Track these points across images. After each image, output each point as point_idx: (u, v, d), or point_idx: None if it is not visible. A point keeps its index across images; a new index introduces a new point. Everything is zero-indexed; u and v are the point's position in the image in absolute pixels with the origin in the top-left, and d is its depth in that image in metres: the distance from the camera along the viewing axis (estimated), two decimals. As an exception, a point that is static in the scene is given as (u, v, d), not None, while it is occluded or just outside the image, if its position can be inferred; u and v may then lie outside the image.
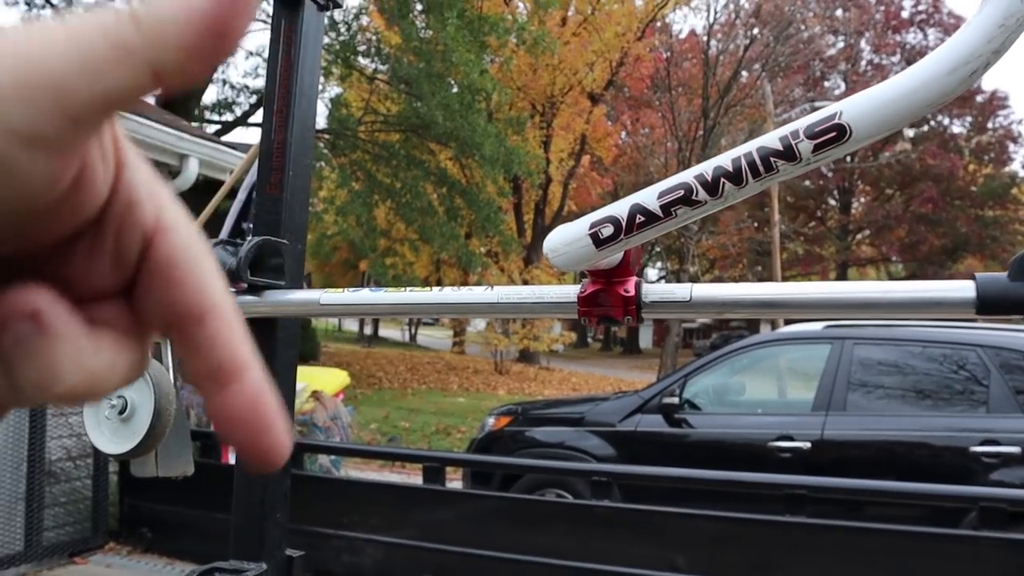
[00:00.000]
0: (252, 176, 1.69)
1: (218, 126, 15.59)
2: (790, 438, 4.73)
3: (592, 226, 0.74)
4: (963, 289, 0.74)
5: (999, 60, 0.61)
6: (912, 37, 31.27)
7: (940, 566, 3.28)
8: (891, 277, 36.82)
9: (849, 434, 4.75)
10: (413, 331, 36.92)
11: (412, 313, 0.94)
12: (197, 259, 0.27)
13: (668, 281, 34.75)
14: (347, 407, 6.45)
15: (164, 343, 1.43)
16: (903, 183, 30.64)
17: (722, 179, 0.67)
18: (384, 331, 36.76)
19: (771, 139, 0.66)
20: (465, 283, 27.01)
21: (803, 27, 23.38)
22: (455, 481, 6.12)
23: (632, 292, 0.84)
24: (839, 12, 29.84)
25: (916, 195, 29.00)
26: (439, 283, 27.99)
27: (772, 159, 0.66)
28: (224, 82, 16.00)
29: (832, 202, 33.97)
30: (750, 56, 21.61)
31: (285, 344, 1.16)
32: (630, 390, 6.47)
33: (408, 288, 0.96)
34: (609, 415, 5.36)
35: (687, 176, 0.69)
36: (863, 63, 31.86)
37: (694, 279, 24.38)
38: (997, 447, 4.35)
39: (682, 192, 0.69)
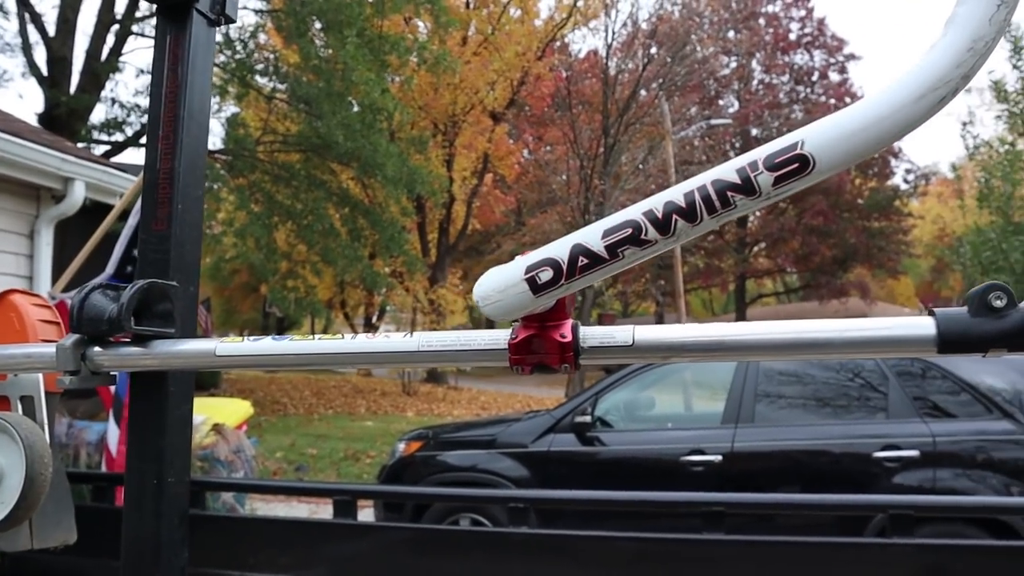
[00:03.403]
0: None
1: (107, 147, 14.88)
2: (702, 452, 4.77)
3: (528, 270, 0.65)
4: (923, 327, 0.69)
5: (967, 85, 0.56)
6: (800, 58, 32.71)
7: (855, 571, 3.34)
8: (787, 287, 38.27)
9: (758, 446, 4.82)
10: (318, 354, 36.16)
11: (322, 364, 0.84)
12: None
13: (574, 296, 35.06)
14: (251, 439, 6.19)
15: (38, 397, 1.28)
16: (795, 197, 31.80)
17: (674, 216, 0.60)
18: (288, 355, 35.81)
19: (727, 171, 0.59)
20: (370, 304, 26.62)
21: (698, 48, 24.12)
22: (366, 509, 5.94)
23: (569, 337, 0.75)
24: (731, 34, 31.05)
25: (808, 208, 30.20)
26: (343, 305, 27.48)
27: (729, 193, 0.58)
28: (113, 101, 15.28)
29: (729, 216, 35.01)
30: (648, 75, 22.12)
31: (178, 399, 1.03)
32: (541, 409, 6.43)
33: (318, 336, 0.85)
34: (521, 436, 5.31)
35: (635, 213, 0.61)
36: (755, 82, 33.12)
37: (599, 293, 24.71)
38: (898, 451, 4.49)
39: (630, 231, 0.61)
